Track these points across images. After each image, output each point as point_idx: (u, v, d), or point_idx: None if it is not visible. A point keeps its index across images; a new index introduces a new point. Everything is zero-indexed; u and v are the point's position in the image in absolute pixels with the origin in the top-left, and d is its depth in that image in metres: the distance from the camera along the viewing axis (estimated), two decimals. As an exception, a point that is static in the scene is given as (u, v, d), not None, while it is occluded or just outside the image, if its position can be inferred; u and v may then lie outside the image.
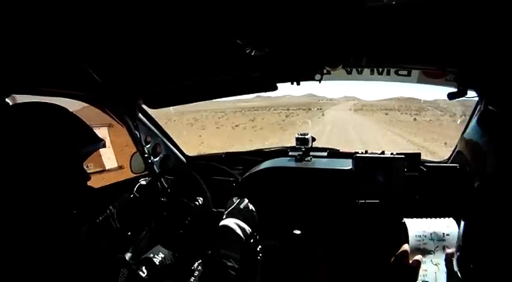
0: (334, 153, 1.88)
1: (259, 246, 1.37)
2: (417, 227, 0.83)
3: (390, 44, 1.13)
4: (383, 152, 1.58)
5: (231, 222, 0.99)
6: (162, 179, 1.48)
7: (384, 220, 1.52)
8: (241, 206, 1.08)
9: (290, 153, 1.86)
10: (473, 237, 0.63)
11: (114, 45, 1.04)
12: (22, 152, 0.64)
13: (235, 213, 1.04)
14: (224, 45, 1.12)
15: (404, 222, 0.84)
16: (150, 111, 1.77)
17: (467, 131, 0.66)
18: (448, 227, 0.80)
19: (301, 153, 1.75)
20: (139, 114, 1.67)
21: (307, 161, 1.73)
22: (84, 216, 0.81)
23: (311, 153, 1.77)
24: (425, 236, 0.81)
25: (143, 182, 1.30)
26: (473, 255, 0.62)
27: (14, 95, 0.99)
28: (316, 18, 0.93)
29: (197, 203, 1.38)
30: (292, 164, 1.71)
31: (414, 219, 0.85)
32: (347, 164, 1.61)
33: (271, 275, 1.60)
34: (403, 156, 1.51)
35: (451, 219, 0.82)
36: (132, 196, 1.23)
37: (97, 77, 1.23)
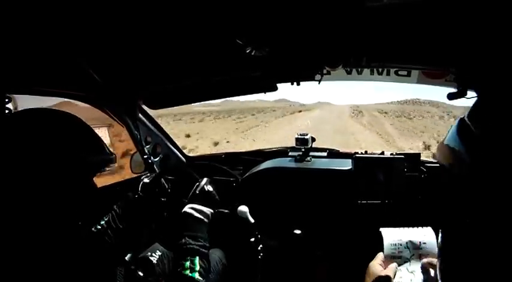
0: (334, 154, 1.88)
1: (260, 246, 1.37)
2: (393, 236, 0.84)
3: (390, 44, 1.14)
4: (383, 152, 1.59)
5: (187, 208, 1.08)
6: (163, 179, 1.48)
7: (383, 220, 1.52)
8: (197, 191, 1.14)
9: (290, 154, 1.86)
10: (449, 246, 0.64)
11: (114, 45, 1.04)
12: (32, 157, 0.65)
13: (192, 198, 1.12)
14: (224, 45, 1.12)
15: (380, 231, 0.86)
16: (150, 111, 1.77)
17: (447, 138, 0.66)
18: (425, 235, 0.82)
19: (301, 153, 1.76)
20: (139, 114, 1.67)
21: (307, 161, 1.73)
22: (87, 218, 0.81)
23: (311, 154, 1.77)
24: (400, 245, 0.83)
25: (146, 180, 1.30)
26: (452, 264, 0.63)
27: (14, 95, 0.99)
28: (316, 18, 0.93)
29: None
30: (292, 164, 1.72)
31: (391, 228, 0.86)
32: (347, 164, 1.61)
33: (271, 275, 1.60)
34: (402, 156, 1.51)
35: (429, 228, 0.83)
36: (136, 196, 1.24)
37: (97, 77, 1.24)
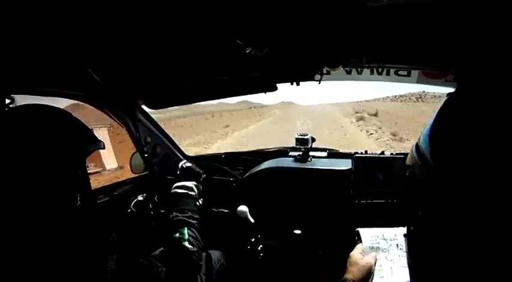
0: (333, 154, 1.88)
1: (260, 246, 1.37)
2: (370, 233, 0.93)
3: (390, 45, 1.14)
4: (383, 152, 1.59)
5: (172, 189, 1.15)
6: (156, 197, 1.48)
7: (383, 220, 1.52)
8: (178, 171, 1.22)
9: (290, 154, 1.87)
10: (410, 238, 0.68)
11: (114, 45, 1.04)
12: (20, 153, 0.64)
13: (175, 180, 1.18)
14: (224, 46, 1.12)
15: (357, 231, 0.93)
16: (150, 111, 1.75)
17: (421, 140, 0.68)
18: (397, 234, 0.89)
19: (301, 153, 1.76)
20: (139, 115, 1.67)
21: (307, 161, 1.73)
22: (84, 215, 0.81)
23: (311, 154, 1.77)
24: (377, 237, 0.91)
25: (140, 198, 1.33)
26: (414, 254, 0.67)
27: (14, 95, 0.98)
28: (316, 18, 0.93)
29: (197, 203, 1.38)
30: (292, 164, 1.72)
31: (367, 228, 0.94)
32: (347, 164, 1.61)
33: (271, 275, 1.60)
34: (402, 156, 1.51)
35: (400, 228, 0.91)
36: (129, 211, 1.25)
37: (97, 78, 1.23)
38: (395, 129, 15.07)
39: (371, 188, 1.52)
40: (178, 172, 1.22)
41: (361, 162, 1.55)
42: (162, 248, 1.05)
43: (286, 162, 1.75)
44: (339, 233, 1.60)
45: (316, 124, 19.62)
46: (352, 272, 0.82)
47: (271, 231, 1.58)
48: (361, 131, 16.40)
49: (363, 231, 0.93)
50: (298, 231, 1.59)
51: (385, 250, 0.88)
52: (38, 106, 0.72)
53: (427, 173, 0.60)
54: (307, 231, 1.60)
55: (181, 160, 1.94)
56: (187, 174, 1.20)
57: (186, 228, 0.96)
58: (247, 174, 1.73)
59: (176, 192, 1.12)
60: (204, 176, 1.25)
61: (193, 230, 0.98)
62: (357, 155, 1.57)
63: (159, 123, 1.78)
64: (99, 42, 1.00)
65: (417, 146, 0.65)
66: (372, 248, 0.90)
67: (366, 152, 1.63)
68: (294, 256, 1.66)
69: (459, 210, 0.51)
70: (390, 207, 1.50)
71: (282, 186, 1.65)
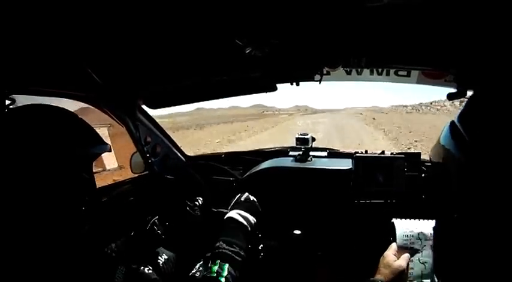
0: (334, 153, 1.88)
1: (260, 246, 1.37)
2: (405, 227, 0.87)
3: (390, 45, 1.14)
4: (383, 152, 1.59)
5: (233, 213, 1.05)
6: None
7: (383, 220, 1.52)
8: (242, 198, 1.14)
9: (290, 153, 1.87)
10: (440, 239, 0.67)
11: (113, 45, 1.04)
12: (21, 155, 0.63)
13: (237, 205, 1.10)
14: (224, 46, 1.12)
15: (392, 222, 0.88)
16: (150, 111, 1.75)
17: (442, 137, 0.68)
18: (432, 234, 0.84)
19: (301, 153, 1.76)
20: (139, 115, 1.67)
21: (307, 161, 1.73)
22: (88, 215, 0.81)
23: (311, 153, 1.77)
24: (412, 236, 0.85)
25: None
26: (443, 255, 0.65)
27: (14, 95, 0.98)
28: (316, 18, 0.93)
29: (197, 203, 1.38)
30: (292, 164, 1.72)
31: (403, 219, 0.88)
32: (347, 164, 1.61)
33: (271, 275, 1.60)
34: (403, 155, 1.51)
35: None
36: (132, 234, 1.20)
37: (97, 78, 1.23)
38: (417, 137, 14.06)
39: (371, 188, 1.52)
40: (242, 199, 1.13)
41: (361, 162, 1.55)
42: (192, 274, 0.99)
43: (286, 162, 1.75)
44: (338, 233, 1.60)
45: (335, 128, 18.91)
46: (384, 274, 0.80)
47: (271, 231, 1.57)
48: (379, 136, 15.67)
49: (398, 224, 0.89)
50: (298, 232, 1.59)
51: (418, 251, 0.85)
52: (42, 106, 0.71)
53: (462, 151, 0.59)
54: (307, 232, 1.59)
55: (181, 161, 1.94)
56: (252, 208, 1.10)
57: (227, 265, 0.86)
58: (247, 174, 1.73)
59: (237, 220, 1.02)
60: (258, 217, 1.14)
61: (235, 269, 0.88)
62: (357, 154, 1.57)
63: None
64: (99, 42, 1.00)
65: (453, 126, 0.64)
66: (405, 248, 0.87)
67: (366, 151, 1.63)
68: (294, 256, 1.66)
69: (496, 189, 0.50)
70: (390, 207, 1.50)
71: (282, 186, 1.65)
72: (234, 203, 1.12)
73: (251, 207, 1.11)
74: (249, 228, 1.03)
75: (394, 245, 0.86)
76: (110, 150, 0.83)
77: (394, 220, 0.89)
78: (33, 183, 0.64)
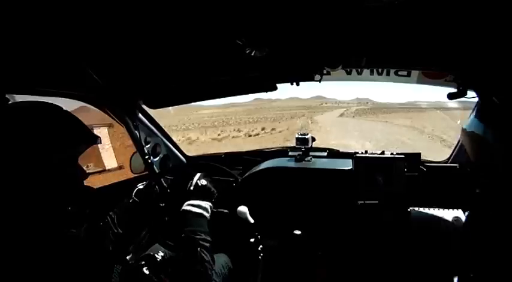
0: (334, 154, 1.88)
1: (260, 246, 1.37)
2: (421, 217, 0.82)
3: (390, 45, 1.13)
4: (383, 152, 1.59)
5: (185, 205, 1.10)
6: (162, 180, 1.48)
7: (384, 220, 1.52)
8: (191, 187, 1.16)
9: (290, 153, 1.86)
10: (477, 232, 0.64)
11: (114, 45, 1.04)
12: (8, 151, 0.64)
13: (188, 196, 1.14)
14: (224, 46, 1.12)
15: (409, 211, 0.83)
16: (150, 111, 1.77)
17: (468, 124, 0.67)
18: (457, 220, 0.80)
19: (301, 153, 1.75)
20: (139, 114, 1.67)
21: (307, 161, 1.73)
22: (81, 214, 0.81)
23: (311, 153, 1.77)
24: None
25: (141, 187, 1.30)
26: (477, 247, 0.63)
27: (14, 95, 0.99)
28: (316, 18, 0.93)
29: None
30: (292, 164, 1.72)
31: (419, 209, 0.83)
32: (347, 164, 1.61)
33: (271, 275, 1.60)
34: (403, 156, 1.51)
35: (459, 211, 0.81)
36: (131, 201, 1.23)
37: (96, 78, 1.23)
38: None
39: (371, 188, 1.52)
40: (191, 188, 1.16)
41: (362, 162, 1.55)
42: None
43: (286, 162, 1.75)
44: (338, 233, 1.60)
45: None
46: None
47: (271, 231, 1.57)
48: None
49: (415, 213, 0.86)
50: (298, 232, 1.59)
51: None
52: (26, 103, 0.72)
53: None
54: (307, 232, 1.59)
55: (181, 161, 1.95)
56: (203, 193, 1.15)
57: (198, 250, 0.95)
58: (247, 174, 1.72)
59: (190, 211, 1.08)
60: (216, 195, 1.21)
61: (206, 253, 0.97)
62: (357, 155, 1.57)
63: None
64: (99, 42, 1.00)
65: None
66: None
67: (366, 151, 1.62)
68: (294, 256, 1.66)
69: None
70: (390, 206, 1.50)
71: (282, 186, 1.65)
72: (185, 193, 1.16)
73: (202, 193, 1.14)
74: (206, 213, 1.09)
75: None
76: (100, 142, 0.82)
77: (411, 209, 0.86)
78: (21, 178, 0.64)
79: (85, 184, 0.82)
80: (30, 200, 0.66)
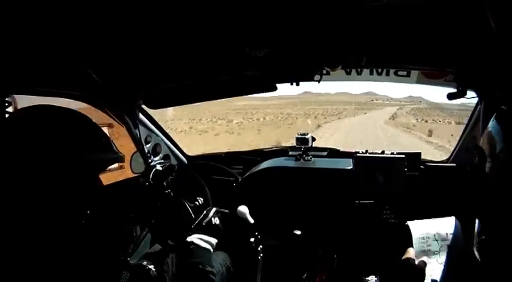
0: (334, 153, 1.88)
1: (260, 246, 1.37)
2: (420, 229, 0.83)
3: (390, 45, 1.13)
4: (383, 152, 1.59)
5: (194, 238, 1.16)
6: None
7: (384, 220, 1.52)
8: (204, 222, 1.21)
9: (290, 153, 1.86)
10: (490, 234, 0.62)
11: (114, 46, 1.04)
12: (21, 158, 0.62)
13: (199, 229, 1.20)
14: (224, 46, 1.12)
15: (407, 225, 0.85)
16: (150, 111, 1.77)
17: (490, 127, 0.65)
18: (451, 226, 0.81)
19: (301, 152, 1.75)
20: (140, 114, 1.67)
21: (307, 160, 1.73)
22: (92, 219, 0.81)
23: (311, 153, 1.77)
24: (428, 238, 0.82)
25: (159, 168, 1.33)
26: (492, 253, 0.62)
27: (14, 95, 0.99)
28: (316, 18, 0.93)
29: (197, 203, 1.38)
30: (292, 163, 1.72)
31: (417, 221, 0.85)
32: (347, 164, 1.61)
33: (272, 275, 1.60)
34: (403, 155, 1.51)
35: (452, 218, 0.83)
36: (147, 184, 1.26)
37: (97, 78, 1.23)
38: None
39: (371, 188, 1.52)
40: (204, 223, 1.21)
41: (362, 161, 1.55)
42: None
43: (286, 161, 1.75)
44: (339, 233, 1.60)
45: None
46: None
47: (271, 231, 1.57)
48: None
49: (413, 227, 0.86)
50: (298, 232, 1.59)
51: (436, 253, 0.83)
52: (51, 108, 0.69)
53: None
54: (307, 231, 1.60)
55: (182, 161, 1.94)
56: (214, 231, 1.21)
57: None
58: (247, 174, 1.73)
59: (199, 245, 1.13)
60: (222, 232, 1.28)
61: None
62: (357, 154, 1.57)
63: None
64: (99, 42, 1.00)
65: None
66: (423, 251, 0.84)
67: (366, 151, 1.62)
68: (294, 256, 1.66)
69: None
70: (391, 206, 1.50)
71: (282, 186, 1.65)
72: (196, 225, 1.21)
73: (213, 230, 1.20)
74: (211, 249, 1.16)
75: (411, 250, 0.82)
76: (122, 161, 0.82)
77: (408, 222, 0.86)
78: (32, 187, 0.63)
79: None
80: (44, 203, 0.66)
